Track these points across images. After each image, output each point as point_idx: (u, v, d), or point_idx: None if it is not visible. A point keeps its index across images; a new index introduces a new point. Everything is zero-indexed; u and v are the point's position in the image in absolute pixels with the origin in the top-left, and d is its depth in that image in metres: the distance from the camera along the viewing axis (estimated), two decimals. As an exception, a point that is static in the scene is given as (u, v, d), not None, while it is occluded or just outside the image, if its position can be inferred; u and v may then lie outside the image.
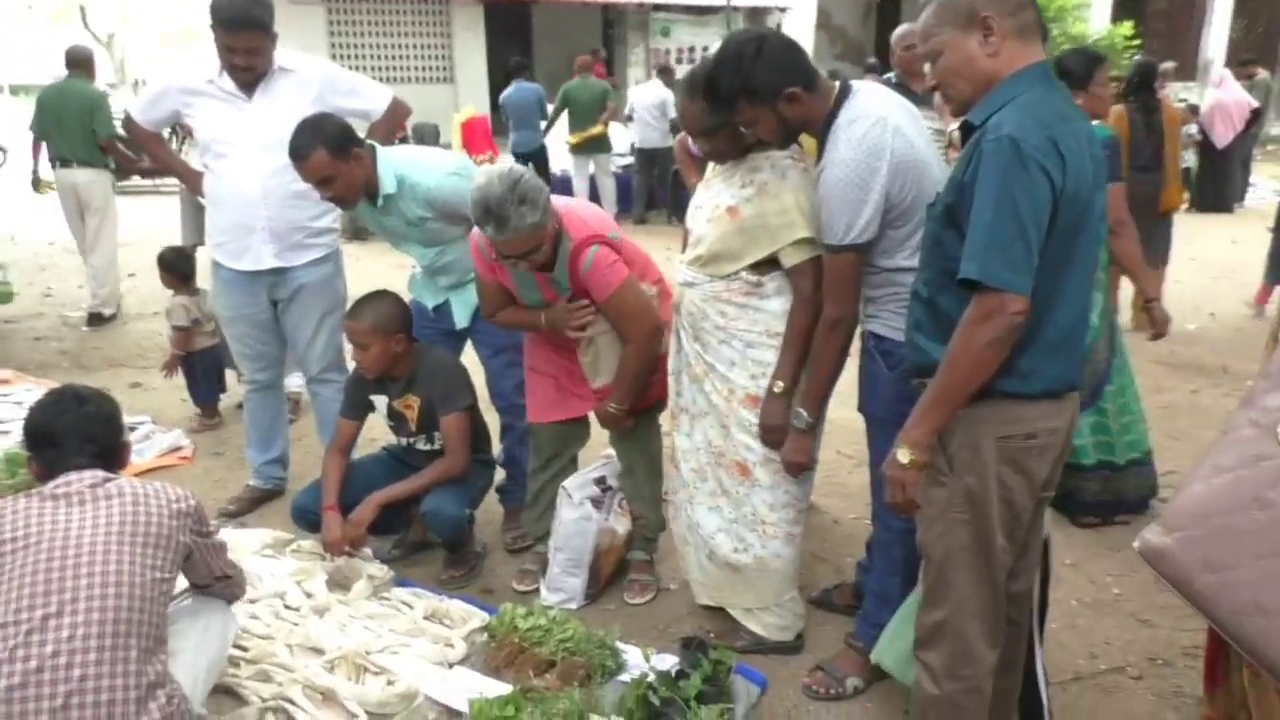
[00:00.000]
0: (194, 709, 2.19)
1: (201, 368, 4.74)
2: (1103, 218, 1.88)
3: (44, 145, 6.74)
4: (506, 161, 3.36)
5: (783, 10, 17.13)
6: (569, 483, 3.11)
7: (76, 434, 2.15)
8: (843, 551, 3.42)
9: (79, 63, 6.74)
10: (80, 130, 6.49)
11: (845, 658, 2.68)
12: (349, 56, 15.46)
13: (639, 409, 3.04)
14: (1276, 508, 1.67)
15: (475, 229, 2.85)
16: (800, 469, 2.59)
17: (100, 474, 2.12)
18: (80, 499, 2.05)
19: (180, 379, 4.79)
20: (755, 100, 2.28)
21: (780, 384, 2.53)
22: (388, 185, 3.11)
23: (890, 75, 4.88)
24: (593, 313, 2.90)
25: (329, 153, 2.96)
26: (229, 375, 4.75)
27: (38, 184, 7.18)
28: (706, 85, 2.37)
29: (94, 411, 2.21)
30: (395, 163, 3.14)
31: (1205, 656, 2.23)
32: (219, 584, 2.41)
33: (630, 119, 10.75)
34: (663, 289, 3.02)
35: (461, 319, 3.39)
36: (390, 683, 2.58)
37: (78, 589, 1.92)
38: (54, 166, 6.70)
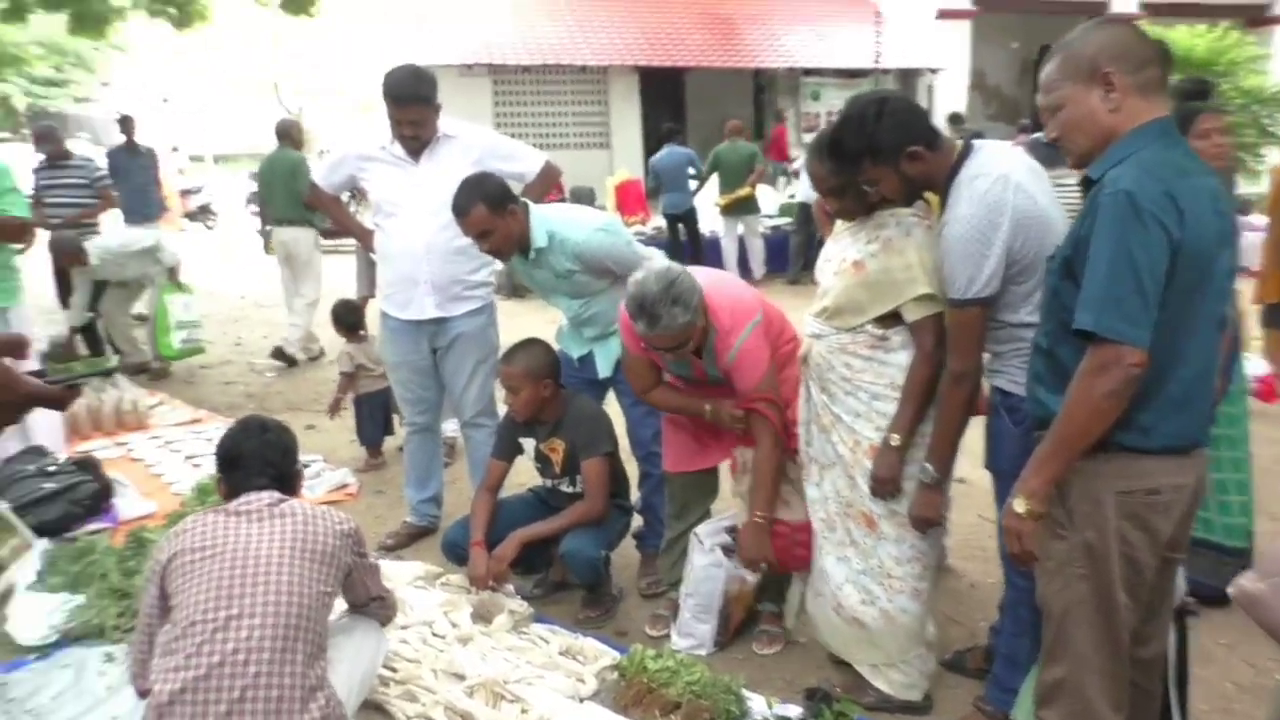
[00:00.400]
0: (347, 716, 2.37)
1: (368, 409, 5.09)
2: (1231, 275, 1.85)
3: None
4: (658, 222, 3.47)
5: (934, 72, 16.79)
6: (701, 529, 3.18)
7: (258, 458, 2.42)
8: (977, 615, 3.33)
9: (285, 134, 7.76)
10: (285, 192, 7.33)
11: (974, 721, 2.62)
12: (512, 124, 16.23)
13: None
14: None
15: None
16: (927, 524, 2.58)
17: (276, 495, 2.37)
18: (259, 516, 2.29)
19: (350, 423, 5.17)
20: (878, 159, 2.35)
21: (897, 437, 2.54)
22: (539, 239, 3.31)
23: (1040, 135, 4.83)
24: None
25: (488, 208, 3.21)
26: (395, 420, 5.08)
27: (268, 246, 8.10)
28: (831, 146, 2.46)
29: (274, 439, 2.48)
30: (546, 219, 3.34)
31: None
32: (373, 604, 2.61)
33: (797, 175, 11.18)
34: (796, 347, 3.06)
35: (604, 369, 3.54)
36: (524, 711, 2.69)
37: (255, 595, 2.15)
38: (272, 227, 7.59)
